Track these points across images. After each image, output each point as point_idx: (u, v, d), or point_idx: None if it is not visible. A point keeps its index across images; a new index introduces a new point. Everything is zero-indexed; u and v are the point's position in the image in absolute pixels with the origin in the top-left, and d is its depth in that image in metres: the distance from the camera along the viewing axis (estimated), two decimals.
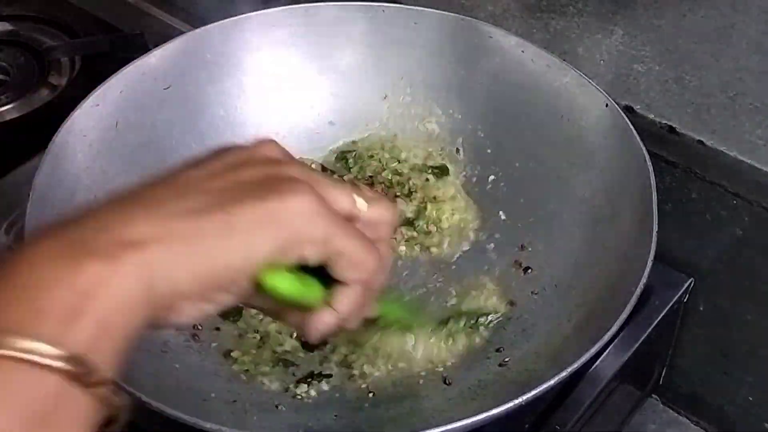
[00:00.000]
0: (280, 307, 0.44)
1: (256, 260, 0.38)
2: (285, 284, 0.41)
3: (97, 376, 0.33)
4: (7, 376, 0.31)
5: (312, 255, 0.40)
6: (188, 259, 0.36)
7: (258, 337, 0.64)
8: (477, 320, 0.63)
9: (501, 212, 0.71)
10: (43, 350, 0.31)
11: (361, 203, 0.43)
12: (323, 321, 0.44)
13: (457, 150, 0.74)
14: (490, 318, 0.64)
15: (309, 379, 0.61)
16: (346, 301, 0.43)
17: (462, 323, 0.63)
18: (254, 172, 0.40)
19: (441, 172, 0.73)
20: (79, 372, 0.32)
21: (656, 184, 0.60)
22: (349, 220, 0.43)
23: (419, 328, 0.61)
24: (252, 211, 0.38)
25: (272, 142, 0.44)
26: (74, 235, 0.35)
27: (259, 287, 0.40)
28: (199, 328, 0.64)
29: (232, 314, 0.65)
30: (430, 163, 0.74)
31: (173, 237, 0.36)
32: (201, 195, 0.38)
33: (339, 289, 0.43)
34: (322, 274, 0.43)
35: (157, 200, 0.38)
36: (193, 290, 0.37)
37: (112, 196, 0.39)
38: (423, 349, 0.63)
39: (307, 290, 0.43)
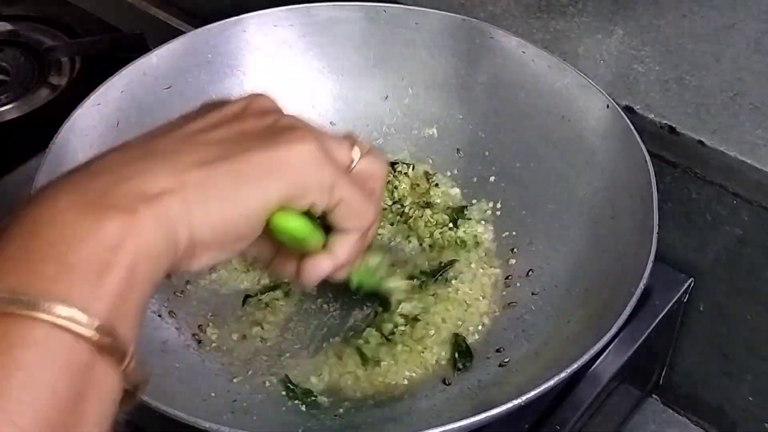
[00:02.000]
0: (280, 256, 0.47)
1: (267, 206, 0.40)
2: (293, 223, 0.42)
3: (123, 347, 0.33)
4: (44, 341, 0.31)
5: (317, 202, 0.42)
6: (204, 209, 0.37)
7: (258, 338, 0.64)
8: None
9: (501, 213, 0.71)
10: (77, 317, 0.32)
11: (356, 155, 0.45)
12: (320, 266, 0.46)
13: (458, 150, 0.74)
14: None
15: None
16: (343, 247, 0.46)
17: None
18: (255, 122, 0.42)
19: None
20: (108, 342, 0.33)
21: (656, 184, 0.60)
22: (344, 167, 0.44)
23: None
24: (262, 159, 0.39)
25: (264, 95, 0.45)
26: (93, 189, 0.35)
27: (269, 230, 0.42)
28: (202, 329, 0.64)
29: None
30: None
31: (187, 188, 0.37)
32: (210, 146, 0.39)
33: (337, 236, 0.46)
34: (321, 225, 0.45)
35: (169, 152, 0.38)
36: (210, 238, 0.38)
37: (118, 147, 0.40)
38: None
39: (312, 232, 0.45)
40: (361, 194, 0.44)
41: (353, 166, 0.45)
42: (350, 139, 0.46)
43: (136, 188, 0.36)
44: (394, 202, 0.72)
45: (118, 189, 0.36)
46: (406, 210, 0.71)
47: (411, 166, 0.74)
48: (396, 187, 0.73)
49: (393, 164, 0.74)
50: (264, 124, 0.42)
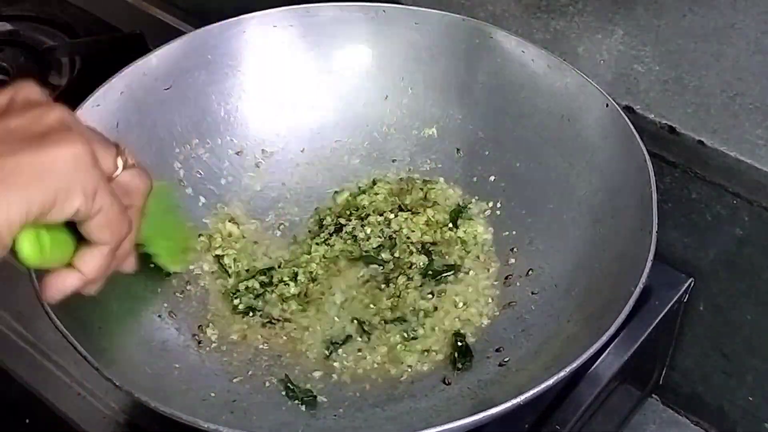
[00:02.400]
0: None
1: (29, 214, 0.38)
2: (32, 251, 0.40)
3: None
4: None
5: (81, 209, 0.40)
6: None
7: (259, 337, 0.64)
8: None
9: (501, 212, 0.71)
10: None
11: (120, 165, 0.43)
12: (66, 282, 0.43)
13: (458, 150, 0.74)
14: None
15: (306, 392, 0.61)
16: (92, 263, 0.43)
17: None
18: (22, 119, 0.40)
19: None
20: None
21: (656, 184, 0.60)
22: (108, 176, 0.43)
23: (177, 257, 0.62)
24: (25, 163, 0.37)
25: (30, 83, 0.43)
26: None
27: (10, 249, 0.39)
28: (202, 329, 0.64)
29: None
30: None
31: None
32: None
33: (87, 250, 0.43)
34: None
35: None
36: None
37: None
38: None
39: (58, 251, 0.42)
40: (119, 206, 0.42)
41: (115, 175, 0.43)
42: (117, 148, 0.44)
43: None
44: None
45: None
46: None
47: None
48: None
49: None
50: (30, 120, 0.40)
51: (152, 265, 0.61)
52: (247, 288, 0.67)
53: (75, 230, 0.42)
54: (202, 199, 0.71)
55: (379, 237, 0.70)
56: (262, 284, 0.67)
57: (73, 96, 0.71)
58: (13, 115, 0.40)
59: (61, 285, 0.44)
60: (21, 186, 0.37)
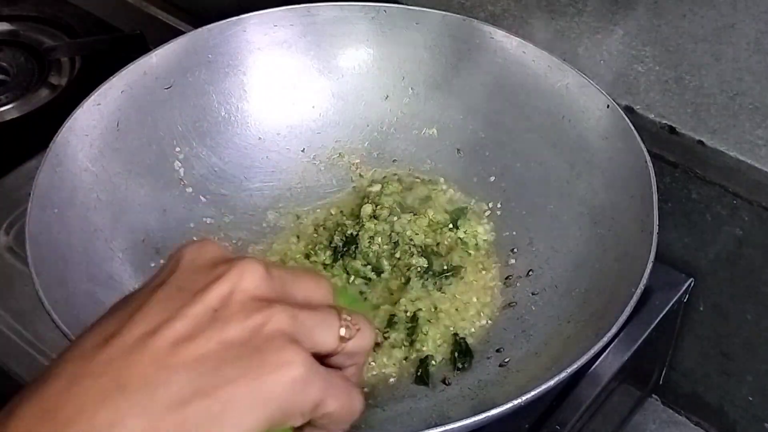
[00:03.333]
0: None
1: None
2: None
3: None
4: None
5: (299, 421, 0.38)
6: None
7: None
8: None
9: (501, 213, 0.71)
10: None
11: (346, 334, 0.40)
12: None
13: (458, 150, 0.74)
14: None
15: None
16: None
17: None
18: (239, 327, 0.37)
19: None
20: None
21: (656, 184, 0.60)
22: (331, 353, 0.40)
23: None
24: (242, 393, 0.36)
25: (255, 263, 0.39)
26: None
27: None
28: None
29: None
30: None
31: None
32: (187, 372, 0.35)
33: None
34: None
35: (143, 386, 0.34)
36: None
37: (86, 359, 0.35)
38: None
39: None
40: (347, 398, 0.40)
41: (341, 349, 0.40)
42: (338, 315, 0.41)
43: None
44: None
45: None
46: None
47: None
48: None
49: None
50: (249, 329, 0.37)
51: None
52: None
53: None
54: (203, 199, 0.71)
55: (387, 245, 0.69)
56: None
57: (73, 96, 0.72)
58: (232, 321, 0.37)
59: None
60: (237, 418, 0.35)
